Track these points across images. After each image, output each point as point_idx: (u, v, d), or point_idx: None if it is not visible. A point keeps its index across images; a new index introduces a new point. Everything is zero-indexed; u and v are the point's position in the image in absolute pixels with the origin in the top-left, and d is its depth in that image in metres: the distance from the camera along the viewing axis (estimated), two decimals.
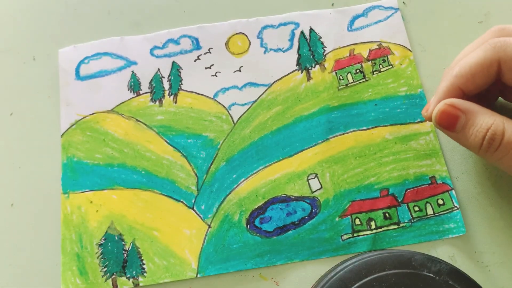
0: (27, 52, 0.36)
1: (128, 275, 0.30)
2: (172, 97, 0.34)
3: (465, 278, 0.26)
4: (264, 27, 0.36)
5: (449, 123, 0.26)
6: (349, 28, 0.36)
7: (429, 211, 0.31)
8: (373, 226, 0.30)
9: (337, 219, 0.31)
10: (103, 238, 0.30)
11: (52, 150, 0.33)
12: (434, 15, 0.36)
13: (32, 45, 0.36)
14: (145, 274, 0.30)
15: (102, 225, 0.31)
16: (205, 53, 0.35)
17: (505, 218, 0.30)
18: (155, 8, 0.37)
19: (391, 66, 0.34)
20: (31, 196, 0.32)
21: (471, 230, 0.30)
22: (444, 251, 0.30)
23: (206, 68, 0.35)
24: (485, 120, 0.25)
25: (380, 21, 0.36)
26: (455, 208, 0.30)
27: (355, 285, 0.25)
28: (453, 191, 0.31)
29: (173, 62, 0.35)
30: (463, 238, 0.30)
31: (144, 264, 0.30)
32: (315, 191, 0.31)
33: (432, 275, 0.25)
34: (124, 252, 0.30)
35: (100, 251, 0.30)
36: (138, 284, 0.29)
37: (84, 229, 0.31)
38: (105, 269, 0.30)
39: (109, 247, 0.30)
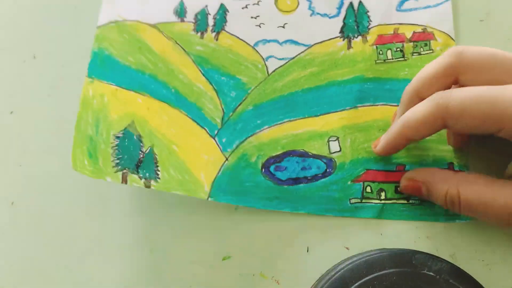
0: (27, 50, 0.36)
1: (141, 175, 0.30)
2: (214, 34, 0.35)
3: (466, 276, 0.26)
4: None
5: (415, 193, 0.30)
6: (398, 8, 0.36)
7: None
8: (383, 197, 0.31)
9: (349, 182, 0.31)
10: (122, 132, 0.31)
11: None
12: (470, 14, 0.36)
13: (32, 43, 0.36)
14: (158, 180, 0.30)
15: (122, 120, 0.31)
16: (253, 4, 0.36)
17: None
18: None
19: (431, 51, 0.35)
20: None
21: (472, 229, 0.30)
22: (444, 250, 0.30)
23: (251, 17, 0.35)
24: (441, 188, 0.27)
25: (429, 6, 0.36)
26: None
27: (356, 284, 0.25)
28: None
29: (222, 4, 0.36)
30: (464, 236, 0.30)
31: (159, 171, 0.30)
32: (333, 153, 0.32)
33: (432, 274, 0.25)
34: (140, 152, 0.30)
35: (116, 143, 0.30)
36: (150, 187, 0.30)
37: (103, 116, 0.31)
38: (118, 161, 0.30)
39: (126, 143, 0.30)
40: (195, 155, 0.31)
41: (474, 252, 0.30)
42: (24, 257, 0.31)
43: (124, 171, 0.30)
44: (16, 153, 0.34)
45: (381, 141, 0.30)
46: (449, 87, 0.28)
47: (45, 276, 0.30)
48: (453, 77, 0.27)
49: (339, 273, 0.26)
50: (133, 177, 0.30)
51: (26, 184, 0.33)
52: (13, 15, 0.37)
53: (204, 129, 0.32)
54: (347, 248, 0.30)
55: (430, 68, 0.28)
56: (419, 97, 0.29)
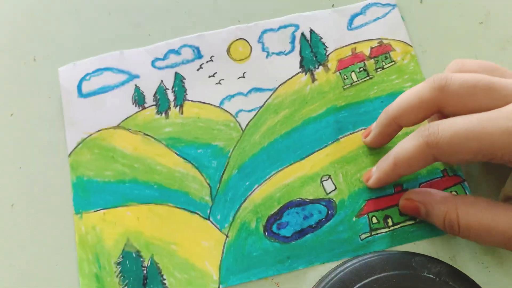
0: (28, 52, 0.36)
1: None
2: (178, 108, 0.34)
3: (466, 279, 0.26)
4: (264, 31, 0.36)
5: (414, 213, 0.29)
6: (349, 27, 0.36)
7: None
8: (390, 223, 0.30)
9: (354, 219, 0.31)
10: (121, 256, 0.30)
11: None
12: (434, 16, 0.36)
13: (32, 45, 0.36)
14: None
15: (118, 243, 0.30)
16: (207, 62, 0.35)
17: None
18: (155, 9, 0.37)
19: (393, 63, 0.34)
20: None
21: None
22: (444, 252, 0.30)
23: (209, 76, 0.35)
24: (440, 209, 0.27)
25: (378, 18, 0.36)
26: None
27: (356, 286, 0.25)
28: (465, 182, 0.31)
29: (176, 72, 0.35)
30: (463, 239, 0.29)
31: (165, 280, 0.29)
32: (329, 193, 0.31)
33: (432, 276, 0.26)
34: (143, 268, 0.30)
35: (119, 269, 0.30)
36: None
37: (100, 248, 0.30)
38: (126, 287, 0.29)
39: (128, 265, 0.30)
40: (195, 246, 0.30)
41: (474, 255, 0.29)
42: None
43: None
44: (16, 155, 0.33)
45: (374, 176, 0.30)
46: (430, 116, 0.28)
47: (46, 278, 0.30)
48: (435, 109, 0.27)
49: (339, 275, 0.26)
50: None
51: (26, 186, 0.32)
52: (13, 17, 0.37)
53: (196, 213, 0.31)
54: None
55: (411, 97, 0.27)
56: (396, 122, 0.29)
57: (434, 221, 0.28)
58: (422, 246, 0.30)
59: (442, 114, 0.27)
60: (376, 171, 0.30)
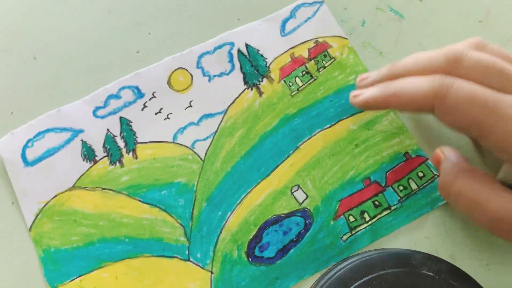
0: (28, 51, 0.35)
1: None
2: (131, 153, 0.32)
3: (465, 277, 0.26)
4: (201, 56, 0.35)
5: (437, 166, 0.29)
6: (283, 33, 0.36)
7: (413, 186, 0.31)
8: (368, 218, 0.30)
9: (331, 222, 0.30)
10: None
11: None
12: (434, 15, 0.36)
13: (32, 44, 0.35)
14: None
15: None
16: (150, 99, 0.34)
17: None
18: (155, 8, 0.36)
19: (333, 59, 0.35)
20: None
21: (472, 229, 0.30)
22: (444, 250, 0.30)
23: (156, 113, 0.34)
24: (443, 169, 0.28)
25: (309, 18, 0.36)
26: (436, 176, 0.31)
27: (355, 284, 0.25)
28: (429, 161, 0.32)
29: (120, 117, 0.33)
30: (463, 236, 0.30)
31: None
32: (302, 202, 0.31)
33: (432, 274, 0.26)
34: None
35: None
36: None
37: None
38: None
39: None
40: None
41: (474, 252, 0.30)
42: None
43: None
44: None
45: (363, 96, 0.29)
46: None
47: None
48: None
49: (339, 273, 0.26)
50: None
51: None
52: (14, 16, 0.36)
53: (175, 257, 0.30)
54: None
55: (421, 64, 0.27)
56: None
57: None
58: (421, 244, 0.30)
59: None
60: (368, 92, 0.28)
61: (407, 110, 0.28)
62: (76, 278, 0.30)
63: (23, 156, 0.32)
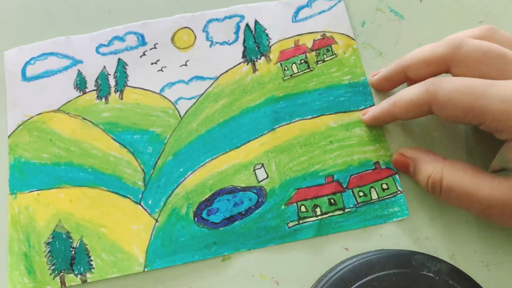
0: None
1: (76, 272, 0.30)
2: (118, 93, 0.34)
3: (465, 277, 0.26)
4: (209, 21, 0.36)
5: (403, 169, 0.31)
6: (294, 19, 0.36)
7: (374, 195, 0.31)
8: (318, 213, 0.31)
9: (283, 207, 0.31)
10: (51, 236, 0.31)
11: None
12: (434, 15, 0.36)
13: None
14: (92, 270, 0.30)
15: (49, 223, 0.31)
16: (150, 49, 0.35)
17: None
18: (155, 11, 0.37)
19: (334, 56, 0.35)
20: None
21: (472, 230, 0.30)
22: (444, 251, 0.30)
23: (152, 63, 0.35)
24: (426, 169, 0.28)
25: (324, 11, 0.36)
26: (399, 192, 0.31)
27: (355, 285, 0.26)
28: (396, 176, 0.32)
29: (119, 59, 0.35)
30: (463, 237, 0.30)
31: (92, 261, 0.30)
32: (261, 181, 0.32)
33: (432, 275, 0.26)
34: (72, 249, 0.30)
35: (48, 249, 0.30)
36: (86, 280, 0.30)
37: (32, 228, 0.31)
38: (53, 267, 0.30)
39: (57, 245, 0.30)
40: (124, 230, 0.31)
41: (474, 253, 0.30)
42: None
43: (61, 274, 0.30)
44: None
45: (370, 112, 0.32)
46: (437, 74, 0.29)
47: None
48: (445, 67, 0.28)
49: (339, 273, 0.26)
50: (69, 277, 0.30)
51: None
52: (14, 16, 0.37)
53: (128, 197, 0.31)
54: (346, 249, 0.30)
55: (425, 52, 0.29)
56: (405, 71, 0.30)
57: (419, 179, 0.29)
58: (421, 245, 0.30)
59: (451, 75, 0.28)
60: (374, 108, 0.32)
61: (410, 116, 0.29)
62: (35, 191, 0.32)
63: (23, 71, 0.35)
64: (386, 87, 0.33)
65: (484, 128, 0.26)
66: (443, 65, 0.28)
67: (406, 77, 0.31)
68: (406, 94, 0.28)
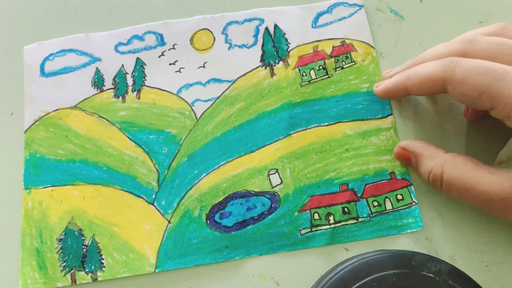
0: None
1: (87, 270, 0.30)
2: (135, 93, 0.34)
3: (465, 278, 0.26)
4: (229, 23, 0.36)
5: (405, 162, 0.31)
6: (314, 25, 0.36)
7: (388, 206, 0.31)
8: (332, 221, 0.31)
9: (296, 213, 0.31)
10: (63, 233, 0.31)
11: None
12: (434, 15, 0.36)
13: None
14: (103, 269, 0.30)
15: (62, 220, 0.31)
16: (169, 49, 0.35)
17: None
18: (154, 9, 0.37)
19: (353, 63, 0.35)
20: None
21: (472, 231, 0.30)
22: (444, 251, 0.30)
23: (170, 64, 0.35)
24: (427, 164, 0.29)
25: (344, 18, 0.36)
26: (414, 203, 0.31)
27: (355, 285, 0.25)
28: (411, 187, 0.31)
29: (137, 58, 0.35)
30: (463, 238, 0.30)
31: (103, 259, 0.30)
32: (275, 186, 0.32)
33: (432, 275, 0.26)
34: (83, 247, 0.30)
35: (60, 246, 0.30)
36: (97, 279, 0.30)
37: (44, 224, 0.31)
38: (64, 264, 0.30)
39: (69, 242, 0.30)
40: (136, 229, 0.31)
41: (474, 254, 0.30)
42: None
43: (72, 271, 0.30)
44: (16, 154, 0.33)
45: (383, 84, 0.32)
46: (435, 93, 0.29)
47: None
48: (441, 88, 0.28)
49: (339, 274, 0.26)
50: (80, 275, 0.30)
51: None
52: (14, 16, 0.37)
53: (142, 197, 0.31)
54: (346, 249, 0.30)
55: (440, 49, 0.29)
56: (406, 89, 0.30)
57: (420, 173, 0.29)
58: (421, 245, 0.30)
59: None
60: (388, 80, 0.31)
61: (423, 91, 0.29)
62: (49, 187, 0.32)
63: (42, 66, 0.35)
64: (390, 98, 0.33)
65: (494, 114, 0.26)
66: (439, 85, 0.28)
67: (407, 93, 0.30)
68: (423, 68, 0.28)
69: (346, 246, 0.30)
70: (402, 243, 0.30)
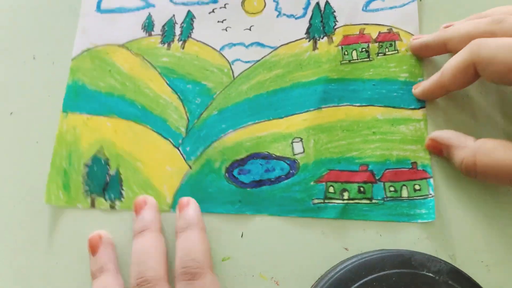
0: (27, 51, 0.36)
1: (107, 197, 0.31)
2: (180, 43, 0.35)
3: (465, 277, 0.26)
4: None
5: (437, 153, 0.31)
6: (364, 8, 0.36)
7: (404, 193, 0.31)
8: (346, 197, 0.31)
9: (312, 183, 0.31)
10: (91, 159, 0.32)
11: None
12: (434, 15, 0.36)
13: (32, 44, 0.36)
14: (122, 199, 0.31)
15: (92, 147, 0.33)
16: (220, 8, 0.36)
17: (505, 216, 0.30)
18: None
19: (396, 51, 0.35)
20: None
21: (472, 230, 0.30)
22: (443, 251, 0.30)
23: (218, 21, 0.36)
24: (458, 155, 0.29)
25: (395, 7, 0.36)
26: (430, 196, 0.31)
27: (355, 285, 0.26)
28: (431, 180, 0.31)
29: (189, 10, 0.36)
30: (463, 237, 0.30)
31: (123, 190, 0.32)
32: (296, 154, 0.32)
33: (432, 275, 0.26)
34: (107, 176, 0.32)
35: (86, 171, 0.32)
36: (114, 207, 0.31)
37: (75, 147, 0.33)
38: (87, 187, 0.32)
39: (95, 169, 0.32)
40: (159, 169, 0.32)
41: (473, 253, 0.30)
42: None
43: (93, 196, 0.32)
44: (15, 154, 0.34)
45: (421, 86, 0.32)
46: None
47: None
48: None
49: (339, 274, 0.27)
50: (99, 200, 0.32)
51: (26, 185, 0.33)
52: (13, 16, 0.38)
53: (168, 140, 0.33)
54: (346, 249, 0.30)
55: (468, 27, 0.29)
56: (445, 44, 0.31)
57: (453, 163, 0.30)
58: (421, 245, 0.30)
59: None
60: (424, 82, 0.32)
61: (459, 83, 0.29)
62: (85, 114, 0.33)
63: (99, 2, 0.36)
64: (424, 53, 0.34)
65: None
66: (470, 71, 0.28)
67: (446, 49, 0.31)
68: (451, 61, 0.29)
69: (346, 245, 0.30)
70: (402, 242, 0.30)
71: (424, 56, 0.34)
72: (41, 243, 0.31)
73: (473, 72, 0.28)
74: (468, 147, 0.28)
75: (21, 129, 0.34)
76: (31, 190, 0.32)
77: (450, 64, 0.29)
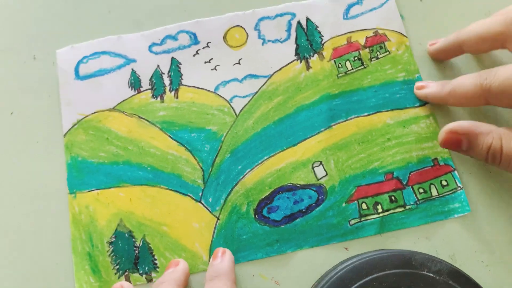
0: (27, 51, 0.36)
1: (141, 271, 0.30)
2: (173, 92, 0.34)
3: (465, 277, 0.26)
4: (261, 19, 0.36)
5: (455, 147, 0.29)
6: (345, 16, 0.36)
7: (434, 192, 0.31)
8: (380, 210, 0.31)
9: (343, 204, 0.31)
10: (113, 236, 0.30)
11: (55, 150, 0.33)
12: (434, 14, 0.36)
13: (32, 44, 0.36)
14: (157, 269, 0.30)
15: (111, 223, 0.31)
16: (203, 48, 0.35)
17: (506, 215, 0.31)
18: (155, 7, 0.37)
19: (388, 53, 0.35)
20: (36, 198, 0.32)
21: (472, 230, 0.30)
22: (444, 251, 0.30)
23: (205, 62, 0.35)
24: (485, 140, 0.27)
25: (375, 8, 0.36)
26: (459, 188, 0.31)
27: (356, 285, 0.26)
28: (455, 172, 0.31)
29: (172, 58, 0.35)
30: (463, 237, 0.30)
31: (156, 260, 0.30)
32: (320, 178, 0.32)
33: (432, 275, 0.26)
34: (135, 248, 0.30)
35: (111, 249, 0.30)
36: (152, 280, 0.30)
37: (93, 228, 0.31)
38: (118, 266, 0.30)
39: (120, 245, 0.30)
40: (186, 228, 0.30)
41: (474, 253, 0.30)
42: (34, 261, 0.31)
43: (126, 273, 0.30)
44: (15, 153, 0.33)
45: (426, 90, 0.32)
46: (492, 50, 0.31)
47: (58, 278, 0.30)
48: (500, 43, 0.29)
49: (339, 273, 0.26)
50: (134, 276, 0.30)
51: (29, 187, 0.32)
52: (13, 16, 0.37)
53: (188, 195, 0.31)
54: (346, 249, 0.30)
55: (481, 29, 0.30)
56: (461, 46, 0.32)
57: (476, 153, 0.28)
58: (421, 245, 0.30)
59: (508, 50, 0.29)
60: (429, 88, 0.32)
61: (467, 106, 0.30)
62: (94, 190, 0.31)
63: (76, 69, 0.35)
64: (442, 57, 0.34)
65: None
66: (498, 42, 0.29)
67: (462, 51, 0.32)
68: (462, 87, 0.29)
69: (346, 245, 0.30)
70: (402, 242, 0.30)
71: (443, 59, 0.34)
72: None
73: (485, 102, 0.28)
74: (494, 131, 0.27)
75: (21, 129, 0.33)
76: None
77: (460, 91, 0.29)
